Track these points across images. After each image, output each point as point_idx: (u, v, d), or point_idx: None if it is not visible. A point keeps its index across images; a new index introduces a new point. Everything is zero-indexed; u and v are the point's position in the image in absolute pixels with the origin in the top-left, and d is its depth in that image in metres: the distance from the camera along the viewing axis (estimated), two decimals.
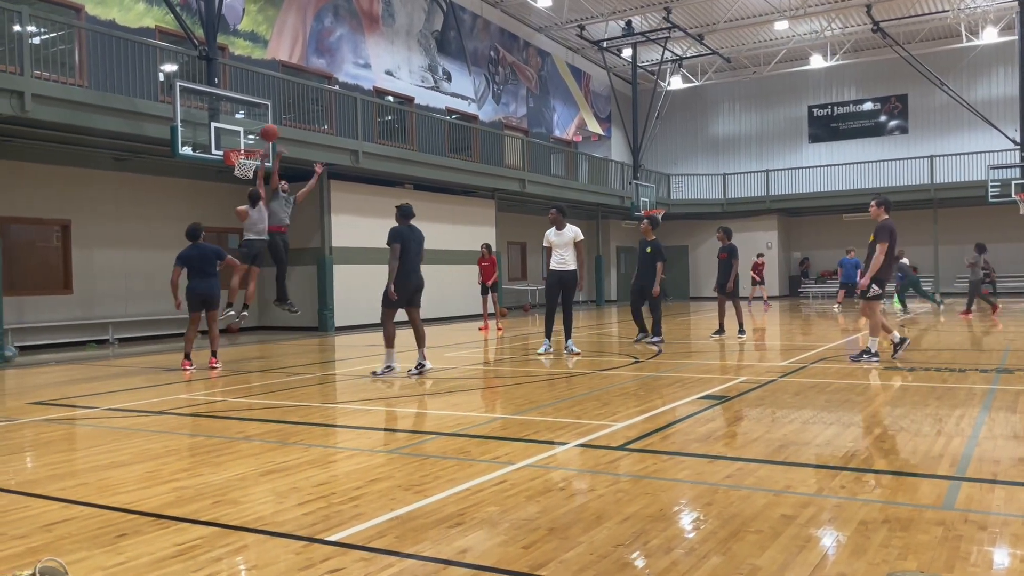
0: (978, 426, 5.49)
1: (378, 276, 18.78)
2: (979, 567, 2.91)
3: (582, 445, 5.15)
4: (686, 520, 3.61)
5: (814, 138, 33.26)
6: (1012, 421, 5.66)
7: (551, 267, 11.19)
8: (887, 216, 9.33)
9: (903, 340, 9.58)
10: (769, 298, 27.00)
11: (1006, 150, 26.67)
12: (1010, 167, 25.84)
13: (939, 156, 28.95)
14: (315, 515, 3.73)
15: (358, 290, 18.34)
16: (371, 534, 3.43)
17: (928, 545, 3.13)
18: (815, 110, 33.23)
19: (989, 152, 27.19)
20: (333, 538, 3.38)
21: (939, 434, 5.25)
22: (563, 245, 11.08)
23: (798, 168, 31.93)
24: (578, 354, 10.99)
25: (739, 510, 3.66)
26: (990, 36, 28.14)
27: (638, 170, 29.11)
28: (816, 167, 31.48)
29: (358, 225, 18.64)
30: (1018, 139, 25.84)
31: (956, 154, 28.63)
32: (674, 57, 30.63)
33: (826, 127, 33.07)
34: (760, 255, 26.40)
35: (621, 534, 3.36)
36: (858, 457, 4.70)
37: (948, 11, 27.44)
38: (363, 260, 18.60)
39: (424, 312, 20.69)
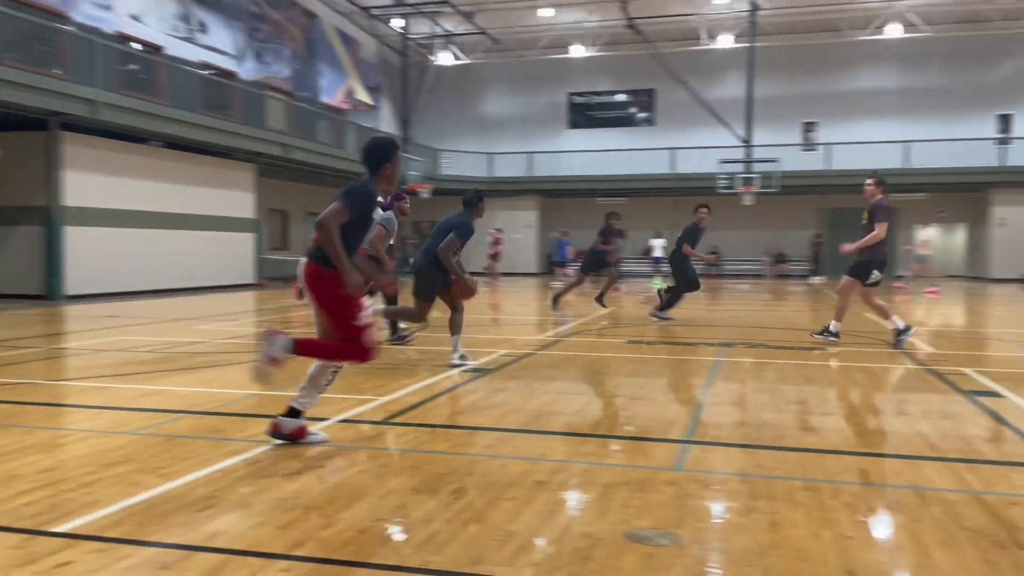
0: (705, 394, 6.12)
1: (121, 240, 17.26)
2: (703, 521, 3.24)
3: (344, 420, 5.07)
4: (446, 491, 3.68)
5: (573, 124, 35.07)
6: (732, 390, 6.37)
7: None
8: (882, 196, 8.99)
9: (837, 335, 9.21)
10: (501, 274, 27.61)
11: (735, 146, 29.79)
12: (736, 162, 28.93)
13: (679, 148, 31.75)
14: (39, 505, 3.34)
15: (98, 255, 16.67)
16: (107, 523, 3.14)
17: (661, 504, 3.44)
18: (574, 97, 35.00)
19: (722, 147, 30.22)
20: (61, 529, 3.05)
21: (672, 402, 5.78)
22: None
23: (558, 152, 33.53)
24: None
25: (497, 479, 3.79)
26: (726, 41, 31.20)
27: (407, 143, 29.02)
28: (574, 152, 33.24)
29: (97, 184, 16.88)
30: (745, 138, 28.97)
31: (693, 147, 31.54)
32: (444, 32, 30.79)
33: (584, 114, 34.99)
34: (498, 229, 27.04)
35: (382, 508, 3.35)
36: (604, 425, 5.05)
37: (693, 15, 30.02)
38: (104, 222, 16.92)
39: (174, 281, 19.30)
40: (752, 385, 6.55)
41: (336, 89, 29.75)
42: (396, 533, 3.10)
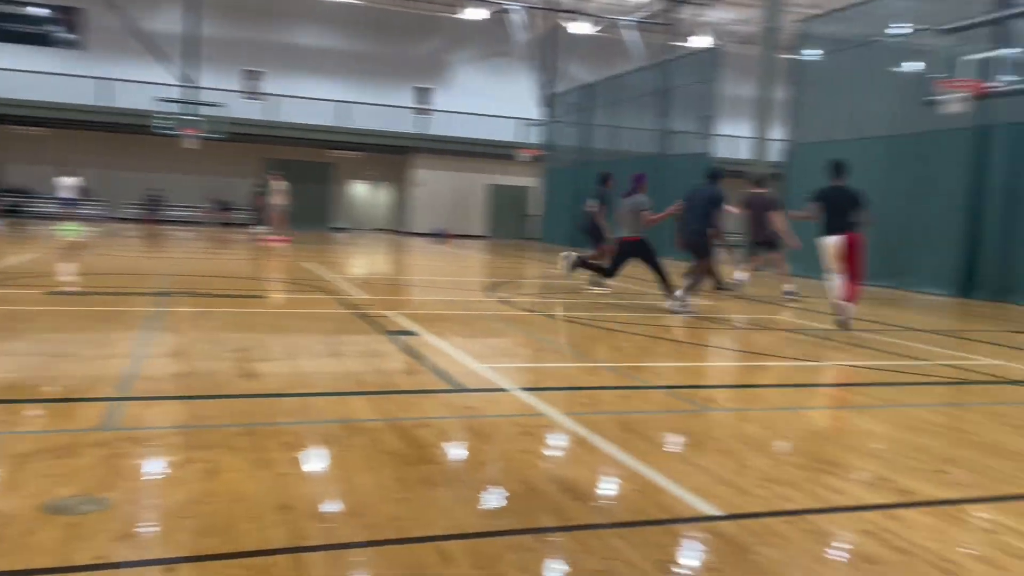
0: (141, 346, 5.75)
1: None
2: (135, 481, 3.06)
3: None
4: None
5: None
6: (171, 340, 6.11)
7: None
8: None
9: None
10: None
11: (176, 85, 28.23)
12: (177, 102, 27.49)
13: (110, 79, 28.78)
14: None
15: None
16: None
17: (88, 468, 3.14)
18: None
19: (161, 84, 28.34)
20: None
21: (103, 357, 5.30)
22: None
23: None
24: None
25: None
26: None
27: None
28: None
29: None
30: (186, 77, 27.63)
31: (129, 80, 28.93)
32: None
33: None
34: None
35: None
36: (17, 387, 4.39)
37: None
38: None
39: None
40: (192, 335, 6.38)
41: None
42: None
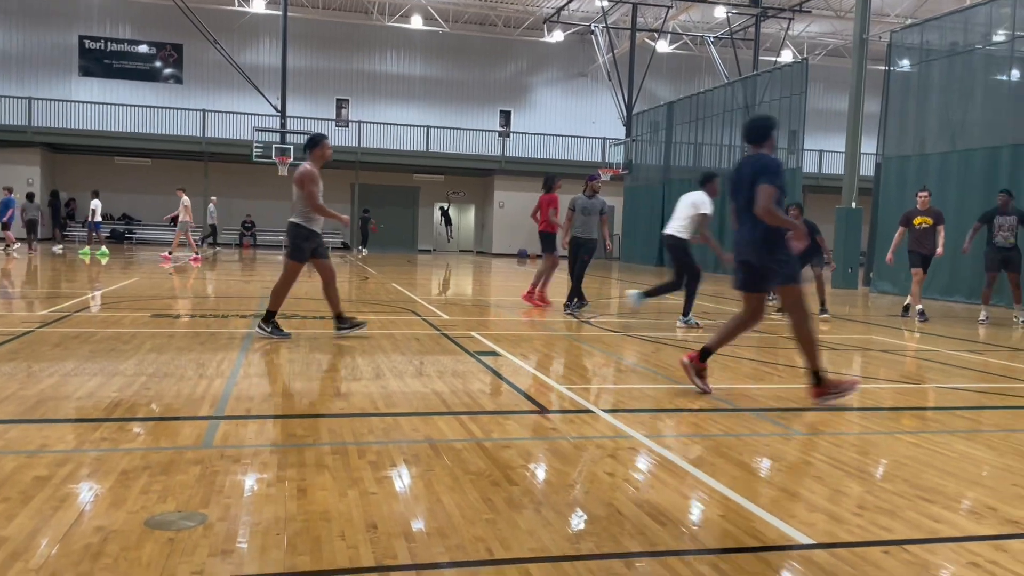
0: (237, 367, 5.97)
1: None
2: (231, 497, 3.16)
3: None
4: None
5: (85, 71, 31.13)
6: (264, 362, 6.32)
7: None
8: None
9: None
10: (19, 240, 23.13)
11: (270, 115, 29.42)
12: (272, 131, 28.63)
13: (211, 111, 30.24)
14: None
15: None
16: None
17: (186, 484, 3.27)
18: (87, 41, 31.06)
19: (256, 115, 29.57)
20: None
21: (201, 377, 5.52)
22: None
23: (67, 101, 29.48)
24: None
25: None
26: (259, 6, 30.48)
27: None
28: (87, 103, 29.56)
29: None
30: (279, 107, 28.76)
31: (226, 112, 30.32)
32: None
33: (99, 62, 31.28)
34: (7, 189, 22.02)
35: None
36: (122, 406, 4.62)
37: None
38: None
39: None
40: (286, 356, 6.58)
41: None
42: None
